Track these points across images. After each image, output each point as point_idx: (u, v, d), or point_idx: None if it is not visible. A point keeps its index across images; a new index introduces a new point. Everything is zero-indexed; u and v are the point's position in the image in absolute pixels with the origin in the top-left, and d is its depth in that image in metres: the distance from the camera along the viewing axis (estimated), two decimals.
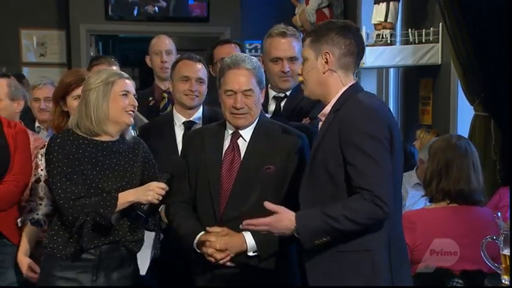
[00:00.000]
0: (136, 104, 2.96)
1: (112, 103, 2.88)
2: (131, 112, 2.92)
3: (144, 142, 3.07)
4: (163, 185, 2.84)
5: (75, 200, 2.79)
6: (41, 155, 3.29)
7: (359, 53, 2.61)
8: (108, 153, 2.91)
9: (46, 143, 3.32)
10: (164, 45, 4.60)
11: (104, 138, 2.92)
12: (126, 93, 2.91)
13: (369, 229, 2.44)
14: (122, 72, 3.02)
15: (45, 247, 2.93)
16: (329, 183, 2.49)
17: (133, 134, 3.05)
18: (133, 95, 2.95)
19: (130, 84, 2.96)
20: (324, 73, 2.57)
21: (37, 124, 4.55)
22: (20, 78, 6.04)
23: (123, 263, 2.94)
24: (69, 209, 2.79)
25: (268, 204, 2.52)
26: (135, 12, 8.34)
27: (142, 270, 3.14)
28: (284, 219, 2.48)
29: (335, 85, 2.58)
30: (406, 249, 2.72)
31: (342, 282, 2.48)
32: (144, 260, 3.15)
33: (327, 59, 2.55)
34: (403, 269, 2.62)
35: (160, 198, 2.83)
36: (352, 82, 2.61)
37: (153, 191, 2.82)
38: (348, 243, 2.46)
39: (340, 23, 2.62)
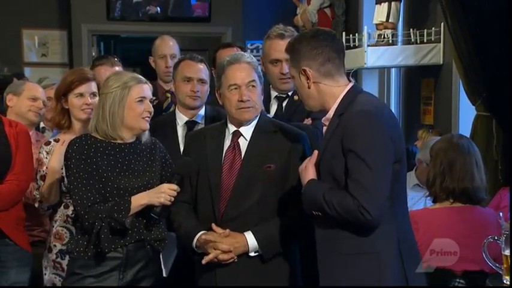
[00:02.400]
0: (152, 109, 2.97)
1: (128, 109, 2.89)
2: (147, 118, 2.93)
3: (160, 142, 3.08)
4: (174, 186, 2.85)
5: (90, 206, 2.81)
6: (46, 151, 3.30)
7: (338, 55, 2.58)
8: (126, 155, 2.93)
9: (49, 140, 3.37)
10: (169, 49, 4.58)
11: (120, 141, 2.94)
12: (142, 99, 2.92)
13: (374, 232, 2.44)
14: (140, 77, 3.00)
15: (70, 252, 2.96)
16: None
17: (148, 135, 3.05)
18: (150, 99, 2.96)
19: (147, 89, 2.96)
20: (309, 88, 2.57)
21: (42, 124, 4.54)
22: (21, 77, 6.03)
23: (149, 262, 2.96)
24: (85, 215, 2.82)
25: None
26: (137, 12, 8.33)
27: (166, 272, 3.18)
28: (307, 174, 2.55)
29: (329, 93, 2.57)
30: (417, 248, 2.70)
31: (352, 284, 2.47)
32: (166, 261, 3.20)
33: (307, 76, 2.56)
34: (416, 268, 2.62)
35: (172, 199, 2.84)
36: (351, 84, 2.59)
37: (165, 193, 2.83)
38: (353, 245, 2.47)
39: (309, 34, 2.61)
